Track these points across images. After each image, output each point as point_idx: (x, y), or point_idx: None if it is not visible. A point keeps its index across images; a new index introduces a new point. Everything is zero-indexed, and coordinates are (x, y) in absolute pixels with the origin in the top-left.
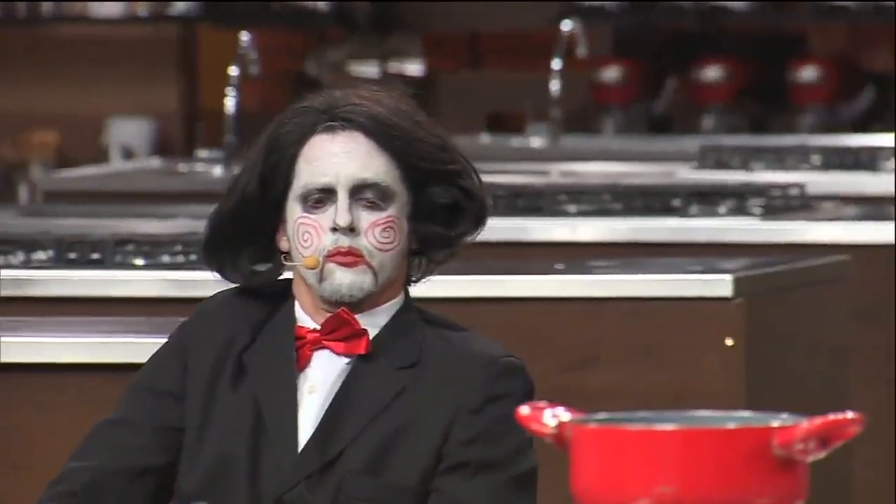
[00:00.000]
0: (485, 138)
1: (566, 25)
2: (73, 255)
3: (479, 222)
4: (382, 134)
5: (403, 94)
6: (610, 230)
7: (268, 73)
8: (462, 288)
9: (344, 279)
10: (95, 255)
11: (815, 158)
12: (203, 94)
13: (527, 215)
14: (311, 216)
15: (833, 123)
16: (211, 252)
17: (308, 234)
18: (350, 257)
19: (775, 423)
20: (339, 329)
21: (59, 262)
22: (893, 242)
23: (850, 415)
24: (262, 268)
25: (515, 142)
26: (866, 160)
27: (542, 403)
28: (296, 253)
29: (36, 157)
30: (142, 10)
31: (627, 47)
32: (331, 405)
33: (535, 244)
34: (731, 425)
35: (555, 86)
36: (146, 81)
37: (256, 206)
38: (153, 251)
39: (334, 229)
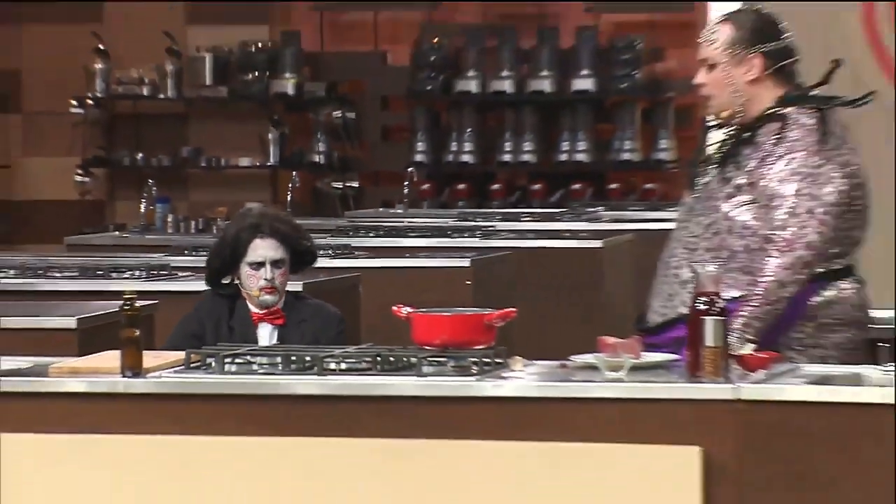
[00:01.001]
0: (381, 210)
1: (410, 168)
2: None
3: (314, 263)
4: (284, 238)
5: (287, 213)
6: (427, 243)
7: (303, 188)
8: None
9: (268, 299)
10: None
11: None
12: (278, 200)
13: (390, 238)
14: (254, 272)
15: (507, 206)
16: (209, 280)
17: (252, 281)
18: (271, 289)
19: (486, 312)
20: (272, 314)
21: None
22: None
23: (512, 310)
24: (226, 282)
25: (392, 211)
26: (516, 218)
27: (402, 305)
28: (247, 286)
29: (217, 217)
30: (259, 161)
31: (431, 177)
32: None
33: (397, 247)
34: (469, 313)
35: (405, 192)
36: (257, 191)
37: (227, 264)
38: None
39: (265, 279)
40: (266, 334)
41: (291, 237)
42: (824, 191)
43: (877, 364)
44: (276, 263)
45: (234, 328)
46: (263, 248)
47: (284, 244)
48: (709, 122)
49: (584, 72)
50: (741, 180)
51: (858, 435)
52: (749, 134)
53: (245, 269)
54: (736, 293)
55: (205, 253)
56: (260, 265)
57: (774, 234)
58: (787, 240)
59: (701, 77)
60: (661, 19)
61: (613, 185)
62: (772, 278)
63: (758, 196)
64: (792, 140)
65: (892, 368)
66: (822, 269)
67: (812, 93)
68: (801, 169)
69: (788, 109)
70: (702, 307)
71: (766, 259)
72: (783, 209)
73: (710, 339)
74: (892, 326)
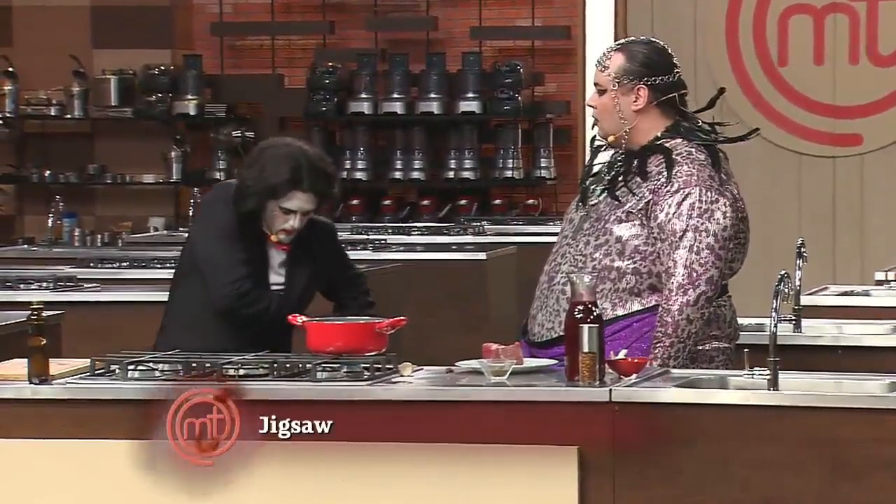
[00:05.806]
0: None
1: None
2: None
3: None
4: (320, 193)
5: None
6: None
7: None
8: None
9: (284, 239)
10: None
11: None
12: (181, 214)
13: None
14: (282, 215)
15: (398, 220)
16: (239, 206)
17: (277, 222)
18: (290, 233)
19: (377, 321)
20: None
21: None
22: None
23: (402, 319)
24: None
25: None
26: (406, 232)
27: (298, 315)
28: (269, 223)
29: (122, 231)
30: (162, 178)
31: (426, 193)
32: (287, 270)
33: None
34: (361, 321)
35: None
36: (161, 206)
37: (261, 198)
38: None
39: (290, 225)
40: (276, 254)
41: (327, 192)
42: (720, 226)
43: (742, 368)
44: (305, 214)
45: (254, 231)
46: (300, 201)
47: (318, 197)
48: (597, 143)
49: (470, 94)
50: (633, 207)
51: (723, 434)
52: (638, 161)
53: (274, 210)
54: (622, 311)
55: (110, 266)
56: (292, 213)
57: (676, 271)
58: (691, 278)
59: (592, 100)
60: (541, 46)
61: (497, 201)
62: (679, 317)
63: (654, 227)
64: (686, 174)
65: (756, 372)
66: None
67: (698, 123)
68: (697, 204)
69: (676, 141)
70: (578, 315)
71: (670, 297)
72: (683, 246)
73: (586, 345)
74: (756, 332)
